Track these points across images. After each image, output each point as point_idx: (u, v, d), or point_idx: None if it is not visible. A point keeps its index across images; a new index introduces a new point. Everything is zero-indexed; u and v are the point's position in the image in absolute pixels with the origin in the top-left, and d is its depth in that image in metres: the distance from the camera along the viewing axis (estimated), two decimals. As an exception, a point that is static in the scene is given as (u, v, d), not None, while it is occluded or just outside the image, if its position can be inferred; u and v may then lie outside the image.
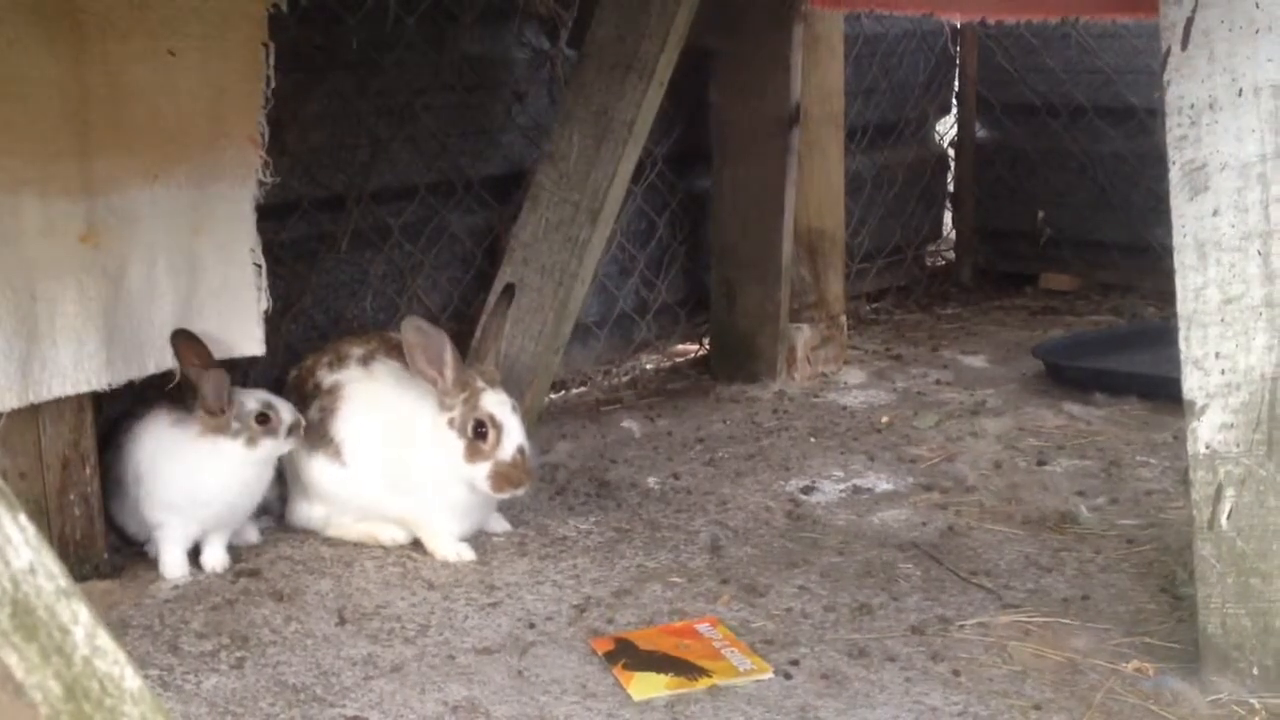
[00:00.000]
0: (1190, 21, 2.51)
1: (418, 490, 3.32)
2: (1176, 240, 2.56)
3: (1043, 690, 2.66)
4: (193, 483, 3.20)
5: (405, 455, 3.33)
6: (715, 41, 4.63)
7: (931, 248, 6.42)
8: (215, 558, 3.26)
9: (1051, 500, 3.67)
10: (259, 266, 3.34)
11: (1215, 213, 2.52)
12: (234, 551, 3.32)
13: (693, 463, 4.02)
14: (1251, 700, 2.55)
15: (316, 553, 3.38)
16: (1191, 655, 2.69)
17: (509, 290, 3.51)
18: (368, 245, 4.15)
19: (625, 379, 4.88)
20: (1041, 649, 2.83)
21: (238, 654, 2.83)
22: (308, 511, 3.46)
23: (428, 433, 3.28)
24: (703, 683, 2.70)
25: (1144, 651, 2.80)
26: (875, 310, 5.85)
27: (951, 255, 6.43)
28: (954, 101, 6.25)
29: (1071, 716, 2.56)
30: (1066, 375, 4.70)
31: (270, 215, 3.51)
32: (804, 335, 4.80)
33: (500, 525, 3.50)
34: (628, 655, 2.80)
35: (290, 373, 3.58)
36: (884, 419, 4.41)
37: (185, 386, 3.21)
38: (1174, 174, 2.56)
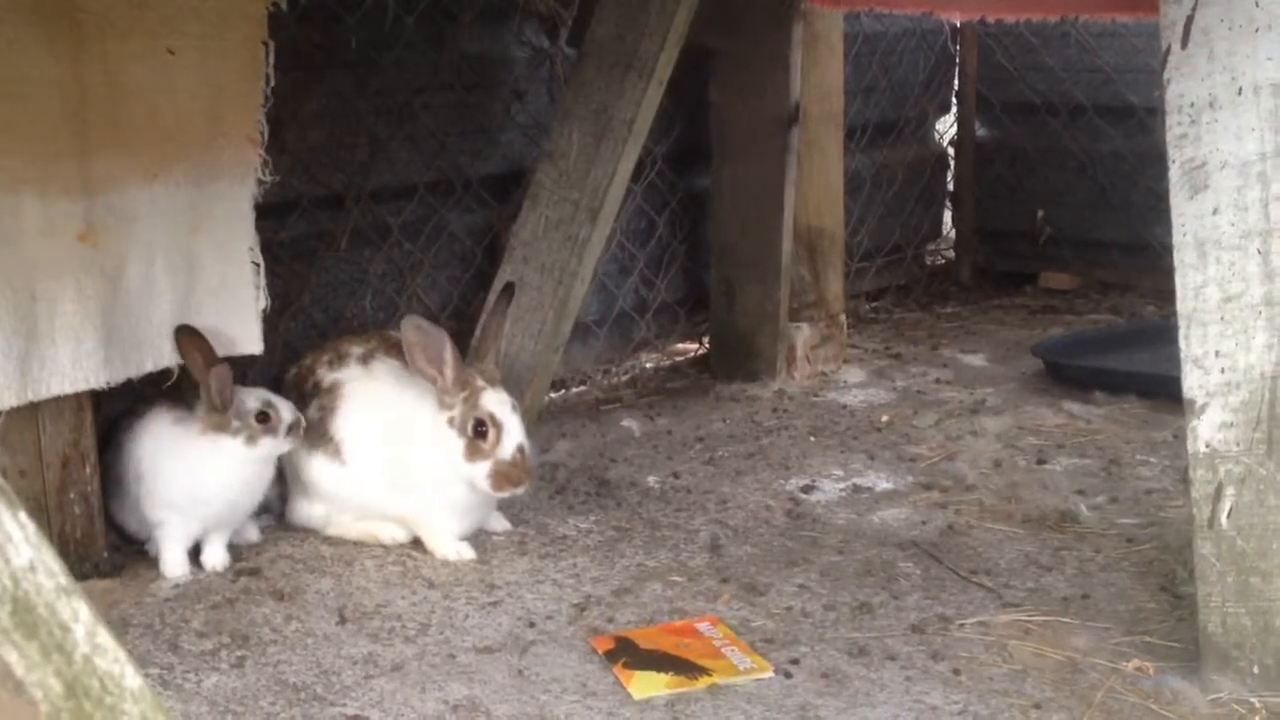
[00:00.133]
0: (1190, 20, 2.51)
1: (418, 489, 3.32)
2: (1176, 239, 2.56)
3: (1043, 689, 2.66)
4: (193, 481, 3.20)
5: (405, 454, 3.33)
6: (715, 40, 4.63)
7: (931, 246, 6.42)
8: (216, 556, 3.26)
9: (1051, 499, 3.67)
10: (257, 265, 3.33)
11: (1215, 211, 2.52)
12: (234, 550, 3.32)
13: (693, 462, 4.02)
14: (1252, 699, 2.55)
15: (317, 551, 3.38)
16: (1192, 654, 2.69)
17: (509, 289, 3.50)
18: (367, 244, 4.15)
19: (625, 378, 4.88)
20: (1042, 648, 2.83)
21: (238, 653, 2.83)
22: (308, 510, 3.46)
23: (427, 431, 3.28)
24: (703, 681, 2.70)
25: (1144, 650, 2.80)
26: (875, 309, 5.85)
27: (951, 254, 6.43)
28: (954, 100, 6.25)
29: (1072, 715, 2.56)
30: (1066, 374, 4.70)
31: (270, 214, 3.50)
32: (804, 334, 4.80)
33: (500, 524, 3.50)
34: (628, 654, 2.80)
35: (290, 371, 3.58)
36: (884, 418, 4.41)
37: (185, 385, 3.21)
38: (1174, 173, 2.56)
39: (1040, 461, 3.96)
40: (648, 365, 5.05)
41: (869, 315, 5.76)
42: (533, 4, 4.43)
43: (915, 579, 3.19)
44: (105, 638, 1.27)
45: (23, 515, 1.25)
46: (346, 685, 2.69)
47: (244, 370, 3.59)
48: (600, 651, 2.82)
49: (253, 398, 3.23)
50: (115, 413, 3.35)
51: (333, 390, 3.42)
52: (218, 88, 3.18)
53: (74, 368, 3.01)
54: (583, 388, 4.78)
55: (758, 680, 2.71)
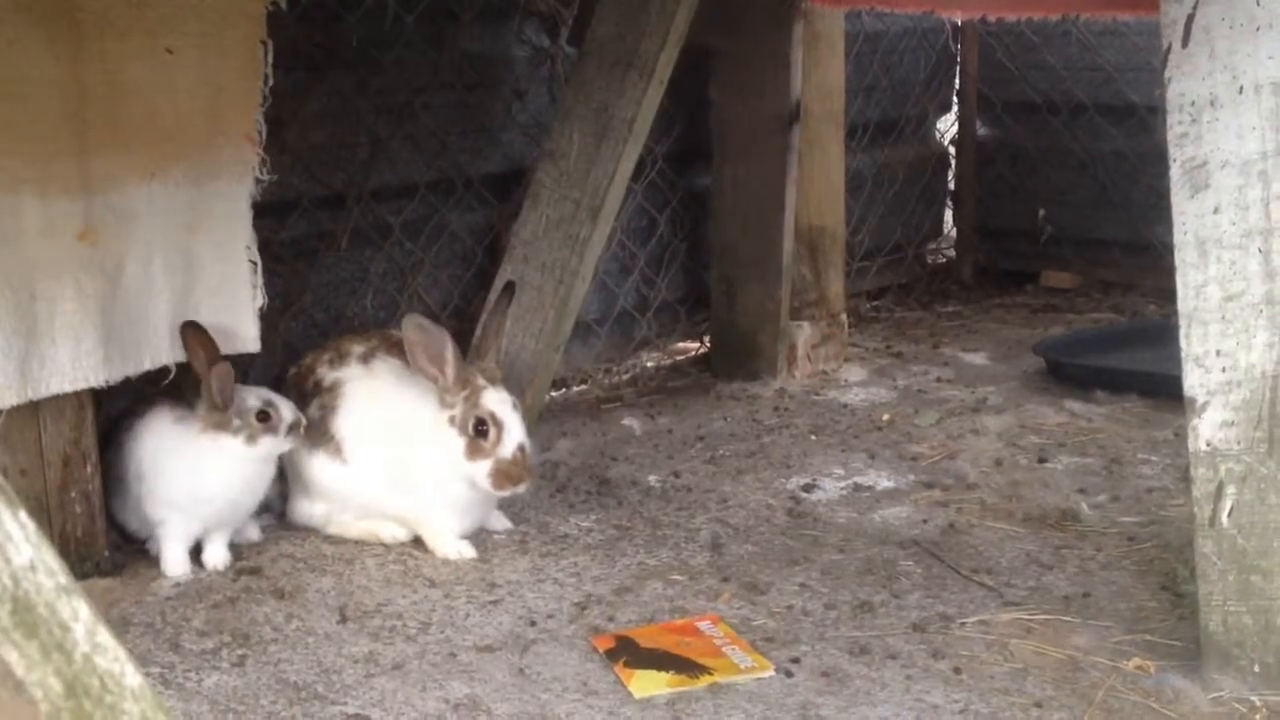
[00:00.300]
0: (1191, 19, 2.50)
1: (418, 488, 3.32)
2: (1177, 238, 2.56)
3: (1044, 688, 2.66)
4: (194, 480, 3.20)
5: (406, 453, 3.32)
6: (715, 39, 4.63)
7: (932, 245, 6.42)
8: (216, 555, 3.26)
9: (1052, 498, 3.67)
10: (255, 264, 3.33)
11: (1216, 210, 2.52)
12: (235, 549, 3.32)
13: (693, 460, 4.02)
14: (1253, 698, 2.55)
15: (317, 550, 3.38)
16: (1193, 653, 2.69)
17: (509, 288, 3.50)
18: (368, 243, 4.15)
19: (626, 377, 4.88)
20: (1042, 646, 2.83)
21: (239, 652, 2.83)
22: (309, 509, 3.46)
23: (428, 430, 3.28)
24: (704, 680, 2.70)
25: (1145, 649, 2.80)
26: (876, 308, 5.85)
27: (952, 253, 6.43)
28: (955, 99, 6.25)
29: (1072, 714, 2.56)
30: (1067, 373, 4.70)
31: (270, 213, 3.51)
32: (805, 333, 4.80)
33: (501, 523, 3.50)
34: (629, 653, 2.80)
35: (290, 370, 3.58)
36: (885, 417, 4.41)
37: (186, 383, 3.21)
38: (1175, 172, 2.55)
39: (1041, 460, 3.96)
40: (649, 364, 5.05)
41: (870, 314, 5.76)
42: (533, 3, 4.43)
43: (916, 578, 3.19)
44: (105, 637, 1.27)
45: (23, 514, 1.25)
46: (347, 684, 2.69)
47: (245, 369, 3.59)
48: (601, 650, 2.82)
49: (254, 397, 3.23)
50: (116, 411, 3.35)
51: (334, 389, 3.42)
52: (217, 87, 3.18)
53: (74, 366, 3.02)
54: (584, 386, 4.78)
55: (758, 679, 2.71)
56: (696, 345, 5.16)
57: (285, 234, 3.88)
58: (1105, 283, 5.97)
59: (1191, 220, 2.54)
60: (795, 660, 2.78)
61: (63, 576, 1.26)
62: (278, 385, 3.47)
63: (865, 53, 5.55)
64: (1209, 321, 2.53)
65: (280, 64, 3.25)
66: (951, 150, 6.29)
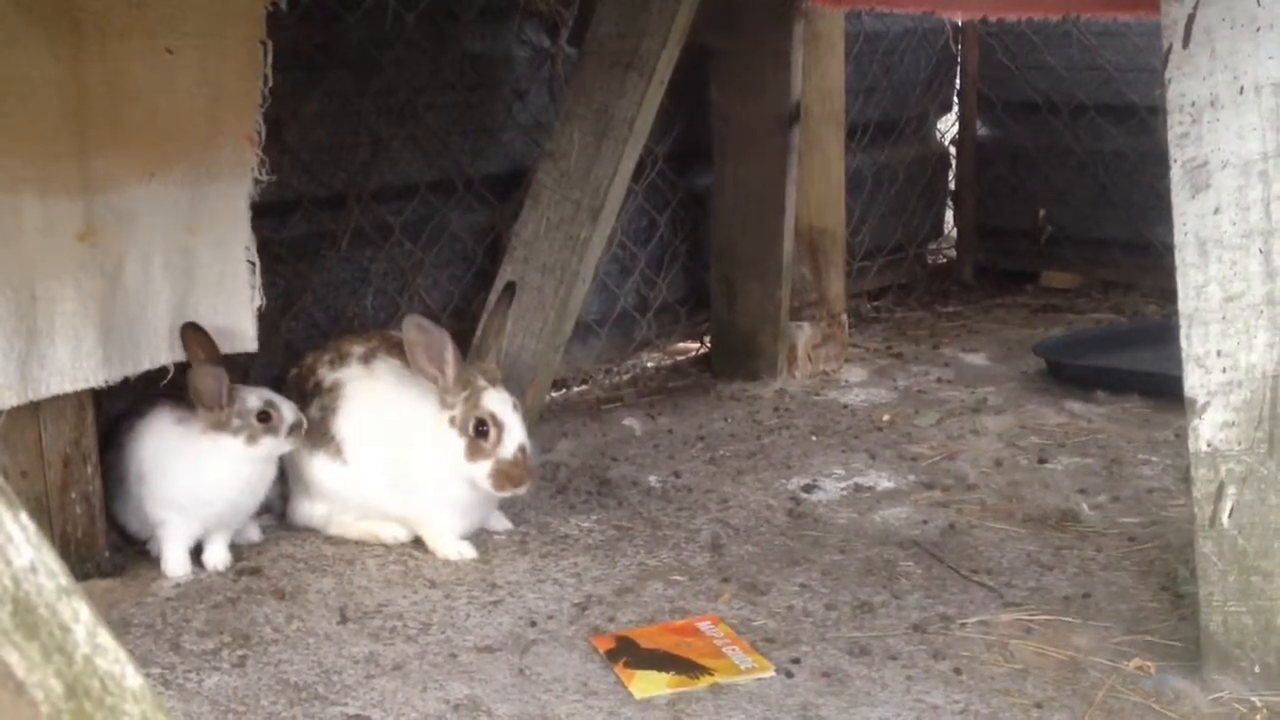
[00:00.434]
0: (1191, 19, 2.50)
1: (419, 488, 3.32)
2: (1178, 238, 2.56)
3: (1044, 688, 2.66)
4: (195, 481, 3.20)
5: (406, 453, 3.32)
6: (716, 39, 4.63)
7: (932, 246, 6.42)
8: (217, 556, 3.26)
9: (1053, 498, 3.67)
10: (253, 264, 3.33)
11: (1216, 210, 2.52)
12: (235, 550, 3.32)
13: (694, 461, 4.02)
14: (1253, 698, 2.55)
15: (318, 551, 3.38)
16: (1193, 653, 2.69)
17: (510, 288, 3.50)
18: (368, 243, 4.15)
19: (626, 377, 4.88)
20: (1043, 647, 2.83)
21: (239, 652, 2.83)
22: (309, 510, 3.46)
23: (429, 431, 3.28)
24: (704, 681, 2.70)
25: (1145, 649, 2.80)
26: (876, 308, 5.85)
27: (952, 253, 6.43)
28: (955, 99, 6.25)
29: (1073, 715, 2.56)
30: (1067, 373, 4.70)
31: (271, 214, 3.51)
32: (805, 333, 4.80)
33: (501, 523, 3.50)
34: (629, 653, 2.80)
35: (291, 371, 3.58)
36: (885, 417, 4.41)
37: (186, 384, 3.21)
38: (1175, 172, 2.55)
39: (1042, 461, 3.96)
40: (649, 364, 5.05)
41: (870, 314, 5.76)
42: (534, 3, 4.43)
43: (916, 578, 3.19)
44: (106, 638, 1.27)
45: (24, 516, 1.25)
46: (348, 684, 2.69)
47: (246, 370, 3.59)
48: (601, 651, 2.82)
49: (255, 397, 3.23)
50: (117, 412, 3.35)
51: (334, 390, 3.42)
52: (217, 87, 3.18)
53: (74, 367, 3.02)
54: (584, 387, 4.78)
55: (759, 680, 2.71)
56: (697, 346, 5.16)
57: (286, 234, 3.88)
58: (1106, 283, 5.97)
59: (1192, 220, 2.54)
60: (796, 661, 2.78)
61: (63, 578, 1.26)
62: (278, 386, 3.47)
63: (865, 53, 5.55)
64: (1209, 322, 2.53)
65: (280, 64, 3.25)
66: (952, 150, 6.29)
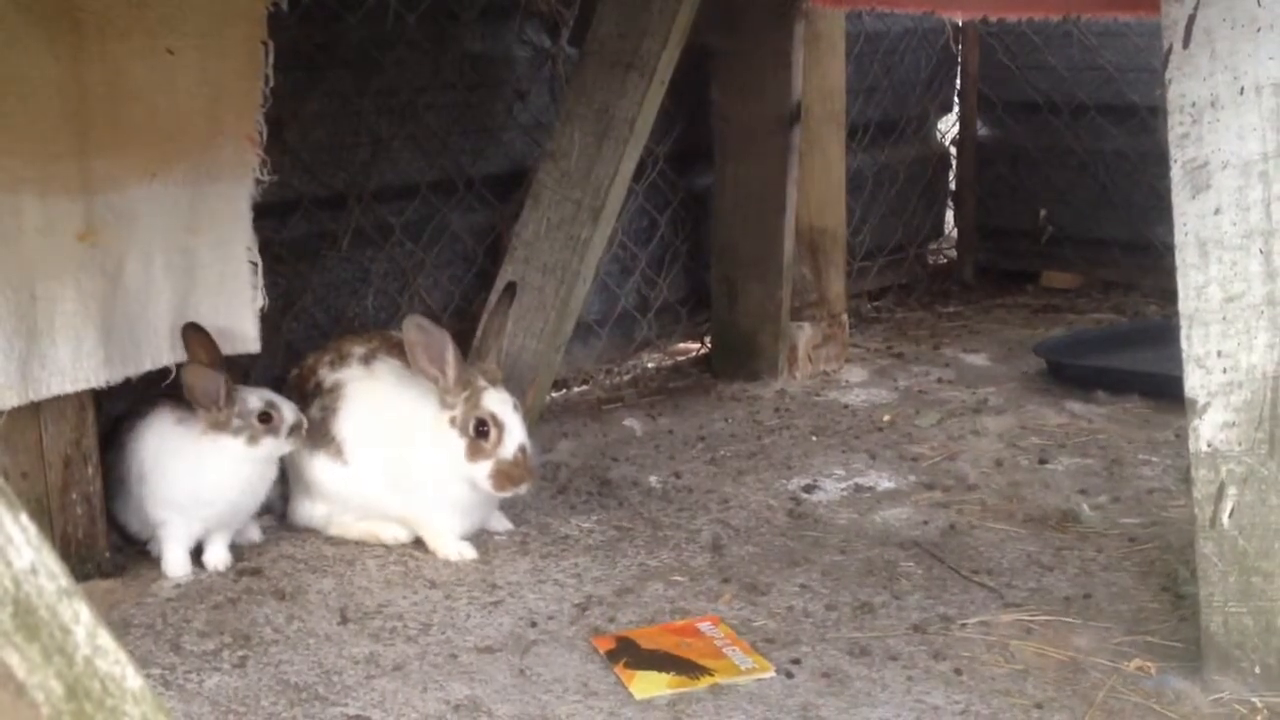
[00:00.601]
0: (1192, 19, 2.50)
1: (419, 489, 3.32)
2: (1178, 238, 2.56)
3: (1044, 689, 2.66)
4: (195, 481, 3.20)
5: (406, 454, 3.32)
6: (716, 40, 4.63)
7: (933, 246, 6.42)
8: (217, 556, 3.26)
9: (1053, 499, 3.67)
10: (255, 265, 3.33)
11: (1217, 211, 2.52)
12: (236, 550, 3.32)
13: (694, 461, 4.02)
14: (1253, 699, 2.55)
15: (318, 551, 3.38)
16: (1193, 654, 2.69)
17: (510, 289, 3.50)
18: (369, 244, 4.15)
19: (627, 377, 4.88)
20: (1043, 648, 2.83)
21: (240, 653, 2.83)
22: (309, 510, 3.46)
23: (429, 431, 3.28)
24: (704, 681, 2.70)
25: (1146, 650, 2.80)
26: (877, 308, 5.85)
27: (953, 253, 6.43)
28: (955, 99, 6.25)
29: (1073, 715, 2.56)
30: (1068, 373, 4.70)
31: (271, 214, 3.50)
32: (805, 333, 4.80)
33: (502, 524, 3.50)
34: (629, 654, 2.80)
35: (292, 371, 3.58)
36: (885, 417, 4.41)
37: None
38: (1176, 172, 2.55)
39: (1042, 461, 3.96)
40: (649, 365, 5.05)
41: (871, 315, 5.76)
42: (534, 3, 4.43)
43: (917, 579, 3.19)
44: (106, 639, 1.27)
45: (24, 518, 1.25)
46: (348, 685, 2.69)
47: (246, 370, 3.59)
48: (602, 651, 2.82)
49: (256, 397, 3.23)
50: (117, 412, 3.36)
51: (334, 390, 3.42)
52: (217, 87, 3.18)
53: (74, 367, 3.02)
54: (584, 387, 4.78)
55: (759, 680, 2.71)
56: (697, 346, 5.16)
57: (286, 234, 3.88)
58: (1106, 283, 5.97)
59: (1192, 221, 2.54)
60: (796, 661, 2.78)
61: (64, 579, 1.26)
62: (279, 386, 3.47)
63: (866, 53, 5.55)
64: (1210, 322, 2.53)
65: (281, 64, 3.26)
66: (952, 150, 6.29)
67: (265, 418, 3.21)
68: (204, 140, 3.19)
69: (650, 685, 2.68)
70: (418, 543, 3.39)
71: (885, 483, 3.83)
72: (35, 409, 3.01)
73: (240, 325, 3.34)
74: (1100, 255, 5.91)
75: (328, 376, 3.45)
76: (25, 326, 2.92)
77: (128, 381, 3.16)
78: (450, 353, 3.24)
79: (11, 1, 2.79)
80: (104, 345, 3.06)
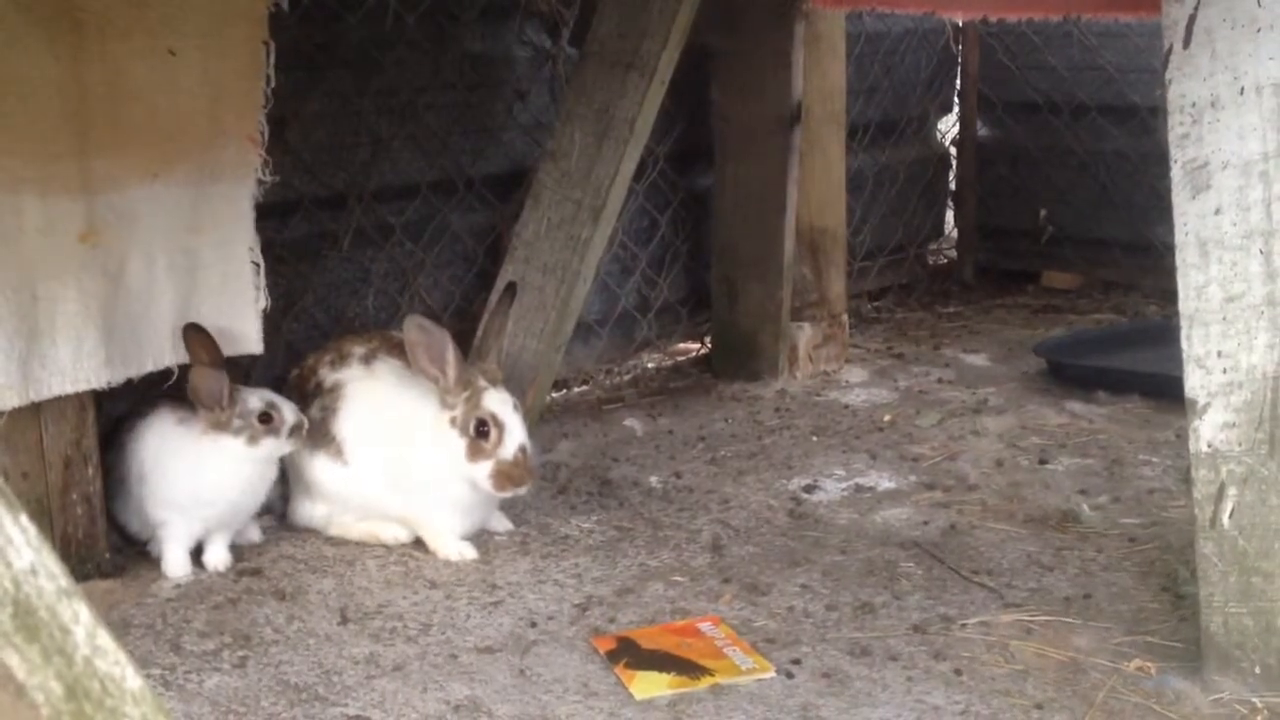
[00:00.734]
0: (1192, 20, 2.50)
1: (419, 489, 3.32)
2: (1178, 238, 2.56)
3: (1045, 689, 2.66)
4: (195, 481, 3.20)
5: (407, 454, 3.32)
6: (717, 40, 4.63)
7: (933, 246, 6.42)
8: (217, 557, 3.26)
9: (1053, 499, 3.67)
10: (257, 265, 3.34)
11: (1217, 211, 2.52)
12: (236, 550, 3.32)
13: (695, 461, 4.02)
14: (1254, 699, 2.55)
15: (318, 552, 3.38)
16: (1194, 654, 2.69)
17: (511, 289, 3.50)
18: (369, 244, 4.15)
19: (627, 377, 4.88)
20: (1043, 648, 2.83)
21: (240, 653, 2.83)
22: (309, 510, 3.46)
23: (429, 431, 3.28)
24: (705, 682, 2.70)
25: (1146, 650, 2.80)
26: (877, 309, 5.84)
27: (953, 253, 6.43)
28: (955, 100, 6.25)
29: (1073, 715, 2.56)
30: (1068, 374, 4.70)
31: (272, 214, 3.50)
32: (806, 334, 4.80)
33: (502, 524, 3.50)
34: (630, 654, 2.80)
35: (292, 371, 3.58)
36: (886, 417, 4.41)
37: (188, 385, 3.21)
38: (1176, 172, 2.55)
39: (1042, 461, 3.96)
40: (650, 365, 5.05)
41: (871, 315, 5.76)
42: (534, 3, 4.43)
43: (917, 579, 3.19)
44: (106, 640, 1.27)
45: (24, 518, 1.25)
46: (348, 685, 2.69)
47: (246, 370, 3.59)
48: (602, 651, 2.82)
49: (256, 398, 3.23)
50: (118, 413, 3.36)
51: (335, 390, 3.42)
52: (218, 87, 3.18)
53: (75, 367, 3.02)
54: (585, 387, 4.78)
55: (759, 680, 2.71)
56: (698, 346, 5.16)
57: (286, 235, 3.88)
58: (1106, 283, 5.97)
59: (1193, 221, 2.54)
60: (796, 661, 2.78)
61: (64, 580, 1.26)
62: (279, 386, 3.47)
63: (866, 53, 5.55)
64: (1210, 323, 2.53)
65: (281, 64, 3.26)
66: (952, 151, 6.29)
67: (266, 418, 3.21)
68: (205, 140, 3.19)
69: (650, 685, 2.68)
70: (418, 543, 3.39)
71: (886, 483, 3.83)
72: (35, 409, 3.01)
73: (243, 326, 3.34)
74: (1100, 255, 5.91)
75: (328, 376, 3.45)
76: (26, 327, 2.92)
77: (129, 381, 3.16)
78: (451, 353, 3.24)
79: (11, 1, 2.79)
80: (105, 346, 3.06)
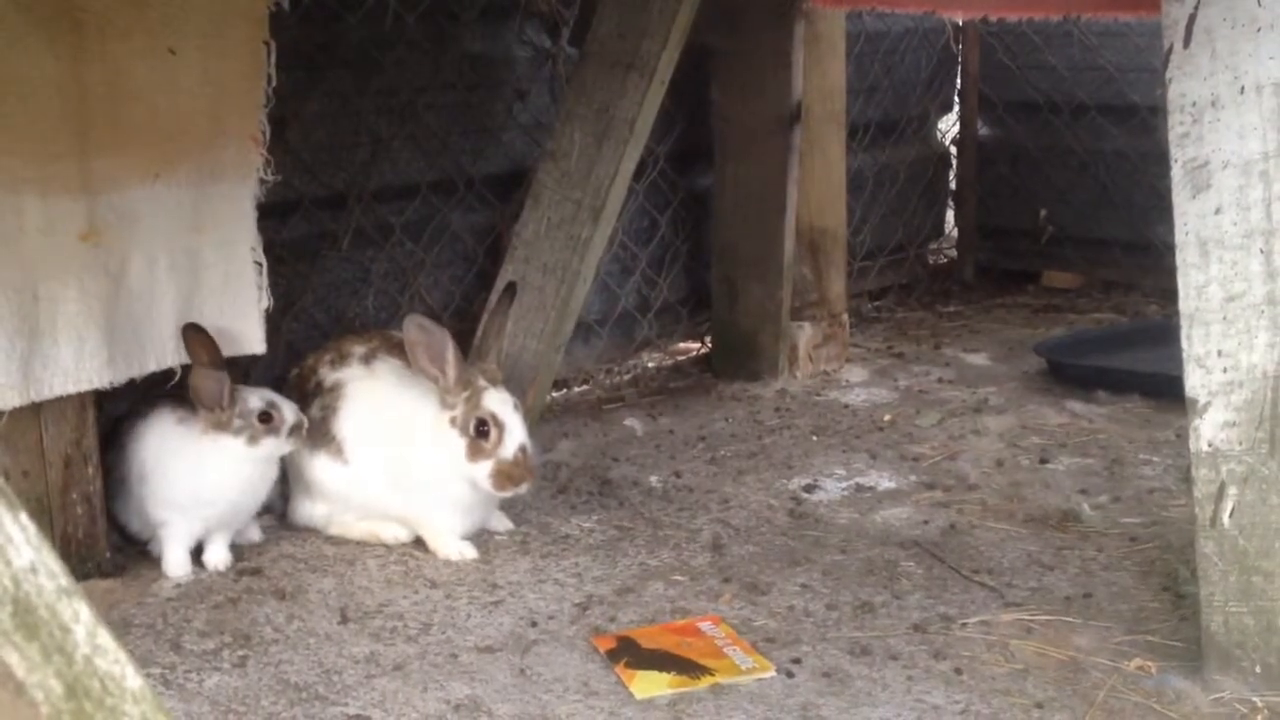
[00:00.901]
0: (1192, 19, 2.50)
1: (419, 488, 3.32)
2: (1179, 238, 2.56)
3: (1045, 688, 2.66)
4: (196, 481, 3.20)
5: (407, 453, 3.32)
6: (716, 40, 4.63)
7: (933, 245, 6.42)
8: (217, 556, 3.26)
9: (1054, 498, 3.67)
10: (259, 265, 3.34)
11: (1217, 210, 2.52)
12: (236, 550, 3.32)
13: (695, 461, 4.02)
14: (1254, 699, 2.55)
15: (319, 551, 3.38)
16: (1194, 653, 2.69)
17: (511, 288, 3.50)
18: (369, 244, 4.15)
19: (627, 377, 4.88)
20: (1044, 647, 2.83)
21: (240, 652, 2.83)
22: (310, 510, 3.46)
23: (429, 431, 3.28)
24: (705, 681, 2.70)
25: (1146, 650, 2.80)
26: (877, 308, 5.85)
27: (953, 253, 6.43)
28: (956, 99, 6.25)
29: (1074, 715, 2.56)
30: (1068, 373, 4.70)
31: (272, 214, 3.50)
32: (806, 333, 4.80)
33: (502, 524, 3.50)
34: (630, 653, 2.80)
35: (292, 371, 3.58)
36: (886, 417, 4.41)
37: (188, 385, 3.21)
38: (1176, 172, 2.55)
39: (1043, 461, 3.96)
40: (650, 365, 5.05)
41: (871, 314, 5.76)
42: (534, 3, 4.43)
43: (917, 578, 3.19)
44: (106, 638, 1.27)
45: (24, 517, 1.25)
46: (348, 685, 2.69)
47: (247, 370, 3.59)
48: (602, 651, 2.82)
49: (256, 397, 3.23)
50: (118, 412, 3.36)
51: (335, 390, 3.42)
52: (219, 87, 3.18)
53: (77, 367, 3.02)
54: (585, 387, 4.78)
55: (760, 680, 2.71)
56: (698, 346, 5.16)
57: (287, 235, 3.88)
58: (1107, 283, 5.97)
59: (1193, 220, 2.54)
60: (796, 661, 2.78)
61: (64, 578, 1.26)
62: (279, 386, 3.47)
63: (866, 53, 5.55)
64: (1210, 322, 2.53)
65: (281, 64, 3.26)
66: (953, 150, 6.29)
67: (266, 418, 3.21)
68: (206, 140, 3.19)
69: (651, 685, 2.68)
70: (418, 542, 3.39)
71: (886, 482, 3.83)
72: (36, 409, 3.01)
73: (245, 325, 3.34)
74: (1101, 255, 5.91)
75: (328, 376, 3.45)
76: (28, 326, 2.92)
77: (130, 381, 3.16)
78: (451, 352, 3.24)
79: (11, 1, 2.79)
80: (107, 346, 3.06)
